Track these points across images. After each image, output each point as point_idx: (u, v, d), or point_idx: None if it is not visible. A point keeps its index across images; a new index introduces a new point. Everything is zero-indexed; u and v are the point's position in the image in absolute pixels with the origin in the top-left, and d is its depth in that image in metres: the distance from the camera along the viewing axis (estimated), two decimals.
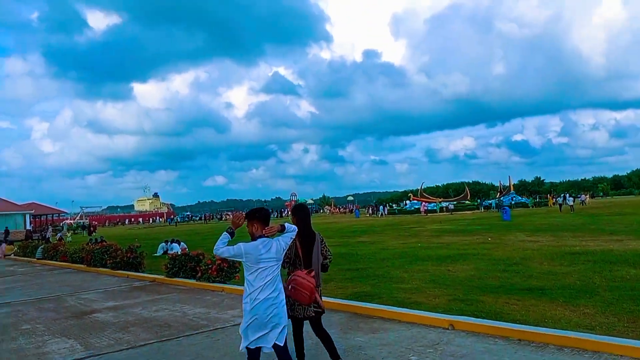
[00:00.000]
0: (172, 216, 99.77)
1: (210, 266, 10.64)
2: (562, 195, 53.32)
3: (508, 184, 61.36)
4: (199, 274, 10.90)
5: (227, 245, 3.90)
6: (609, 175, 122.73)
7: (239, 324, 4.10)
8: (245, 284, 3.99)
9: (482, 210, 53.90)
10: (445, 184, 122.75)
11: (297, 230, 4.32)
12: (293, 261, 4.65)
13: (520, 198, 58.60)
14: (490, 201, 56.18)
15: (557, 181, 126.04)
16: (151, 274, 13.29)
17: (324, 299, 4.90)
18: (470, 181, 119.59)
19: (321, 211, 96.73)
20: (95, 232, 51.20)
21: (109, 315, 8.39)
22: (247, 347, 3.97)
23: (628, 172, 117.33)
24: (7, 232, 39.06)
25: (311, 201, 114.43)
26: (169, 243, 21.84)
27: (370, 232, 27.40)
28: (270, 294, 3.89)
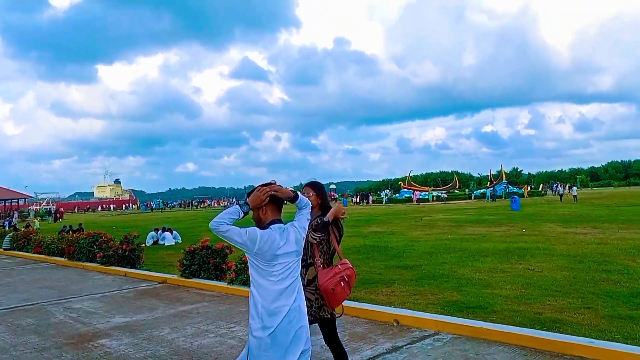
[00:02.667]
0: (145, 204, 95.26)
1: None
2: (558, 184, 52.67)
3: (500, 173, 60.34)
4: (233, 275, 8.18)
5: (234, 226, 2.59)
6: (584, 167, 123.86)
7: None
8: (252, 289, 2.71)
9: (473, 199, 53.06)
10: (424, 173, 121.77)
11: (310, 205, 2.96)
12: (329, 257, 3.53)
13: (513, 188, 57.74)
14: (484, 190, 55.04)
15: (533, 172, 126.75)
16: (156, 272, 10.51)
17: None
18: (449, 171, 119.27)
19: None
20: (62, 219, 47.50)
21: (124, 342, 5.57)
22: None
23: (604, 164, 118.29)
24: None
25: None
26: (160, 232, 19.19)
27: (376, 221, 25.52)
28: (293, 303, 2.68)
